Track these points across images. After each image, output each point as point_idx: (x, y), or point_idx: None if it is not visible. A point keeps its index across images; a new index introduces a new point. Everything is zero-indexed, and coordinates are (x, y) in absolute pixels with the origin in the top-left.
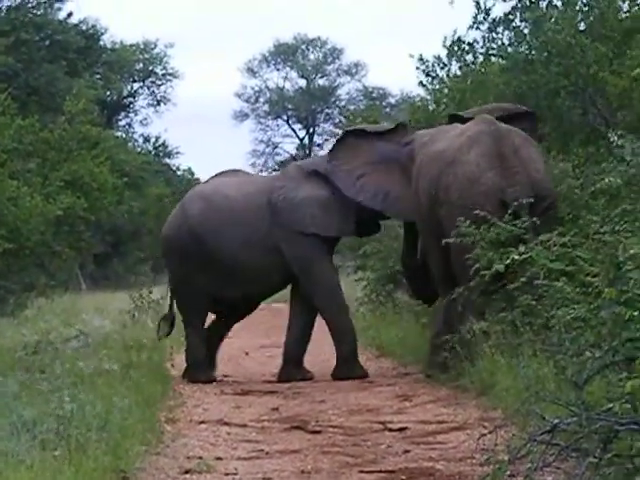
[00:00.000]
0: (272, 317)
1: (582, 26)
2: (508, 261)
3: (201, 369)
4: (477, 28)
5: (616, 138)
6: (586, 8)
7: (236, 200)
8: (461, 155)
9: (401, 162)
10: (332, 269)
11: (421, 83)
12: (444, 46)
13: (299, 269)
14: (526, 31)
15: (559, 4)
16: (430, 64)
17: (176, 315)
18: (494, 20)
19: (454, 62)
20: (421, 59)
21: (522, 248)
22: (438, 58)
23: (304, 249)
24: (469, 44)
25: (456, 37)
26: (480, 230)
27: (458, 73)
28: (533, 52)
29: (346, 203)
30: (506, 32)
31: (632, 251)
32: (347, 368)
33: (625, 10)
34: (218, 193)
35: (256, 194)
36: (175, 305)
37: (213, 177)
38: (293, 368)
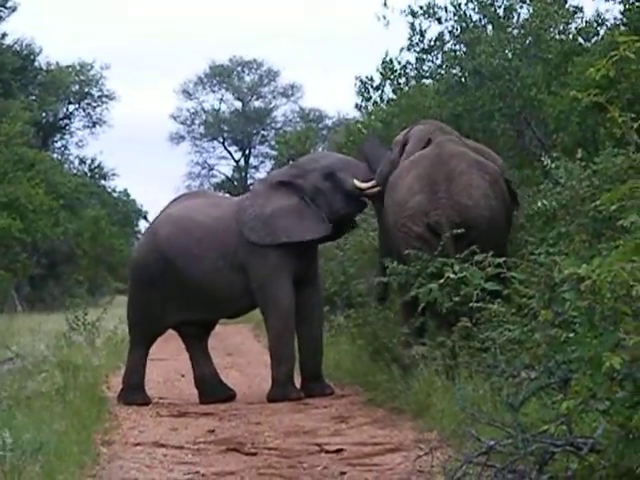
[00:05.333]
0: (210, 339)
1: (517, 49)
2: (442, 280)
3: (137, 392)
4: (413, 50)
5: (549, 162)
6: (522, 31)
7: (205, 223)
8: (399, 179)
9: None
10: (290, 291)
11: (357, 105)
12: (377, 70)
13: (257, 286)
14: (459, 54)
15: (490, 27)
16: (363, 86)
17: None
18: (429, 42)
19: (387, 85)
20: (361, 81)
21: (457, 267)
22: (371, 79)
23: (265, 268)
24: (402, 67)
25: (388, 59)
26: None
27: (391, 96)
28: (466, 75)
29: (317, 205)
30: (439, 55)
31: (567, 272)
32: (282, 390)
33: (561, 31)
34: (187, 217)
35: (224, 216)
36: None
37: (178, 198)
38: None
